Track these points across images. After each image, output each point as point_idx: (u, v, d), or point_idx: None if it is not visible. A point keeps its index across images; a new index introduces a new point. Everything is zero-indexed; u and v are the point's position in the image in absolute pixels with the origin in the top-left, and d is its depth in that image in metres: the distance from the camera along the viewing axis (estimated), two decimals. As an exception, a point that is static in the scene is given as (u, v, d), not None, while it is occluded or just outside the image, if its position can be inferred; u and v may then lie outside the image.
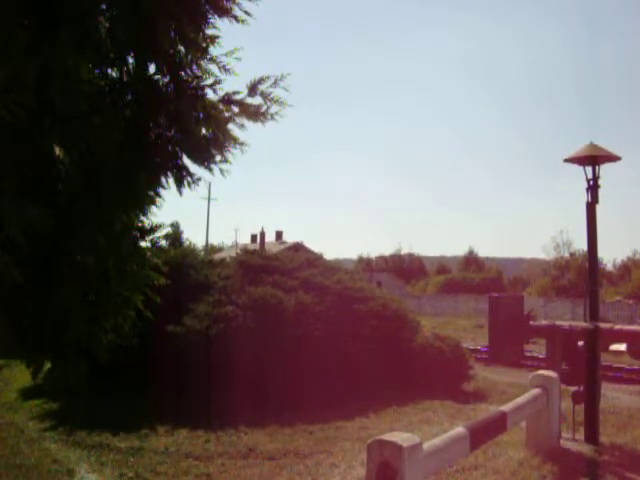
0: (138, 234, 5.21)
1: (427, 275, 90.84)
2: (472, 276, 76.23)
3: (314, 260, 16.07)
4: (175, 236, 62.47)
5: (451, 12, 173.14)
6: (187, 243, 63.40)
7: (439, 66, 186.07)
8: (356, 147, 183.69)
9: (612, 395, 12.84)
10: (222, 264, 15.79)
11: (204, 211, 67.14)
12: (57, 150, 3.96)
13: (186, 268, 14.03)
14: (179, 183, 4.85)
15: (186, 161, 4.85)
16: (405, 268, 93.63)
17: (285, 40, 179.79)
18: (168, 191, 4.97)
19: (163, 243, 6.10)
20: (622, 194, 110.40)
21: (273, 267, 14.37)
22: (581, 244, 69.94)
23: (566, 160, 9.11)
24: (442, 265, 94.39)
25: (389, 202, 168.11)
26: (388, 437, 4.84)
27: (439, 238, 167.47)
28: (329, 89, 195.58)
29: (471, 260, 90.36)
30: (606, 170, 8.95)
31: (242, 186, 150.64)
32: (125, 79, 4.55)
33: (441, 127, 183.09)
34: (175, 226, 67.47)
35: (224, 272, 14.36)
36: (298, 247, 53.18)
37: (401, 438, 4.78)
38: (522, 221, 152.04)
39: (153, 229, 5.28)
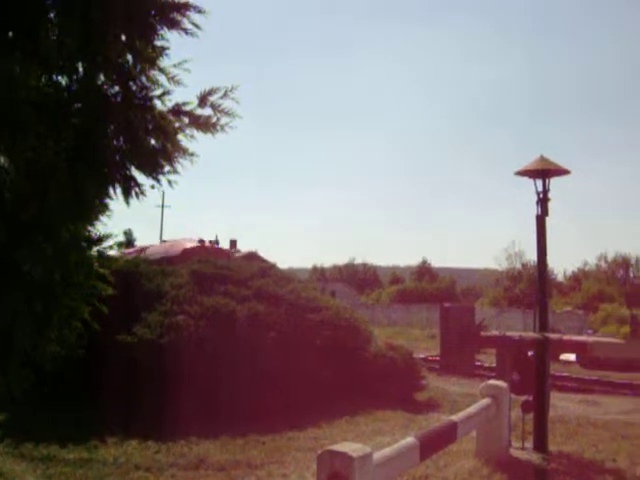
0: (85, 244, 5.16)
1: (381, 285, 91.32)
2: (425, 286, 76.81)
3: (268, 269, 16.00)
4: (128, 244, 61.59)
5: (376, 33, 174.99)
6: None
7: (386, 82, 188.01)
8: (307, 158, 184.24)
9: (561, 404, 13.12)
10: (175, 273, 15.62)
11: (158, 219, 66.48)
12: (2, 159, 3.90)
13: (138, 277, 13.87)
14: (127, 194, 4.82)
15: (134, 172, 4.83)
16: (359, 278, 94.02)
17: (238, 53, 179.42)
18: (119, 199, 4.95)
19: (111, 252, 6.05)
20: (573, 205, 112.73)
21: (226, 276, 14.28)
22: (533, 255, 70.11)
23: (517, 173, 9.29)
24: (396, 275, 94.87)
25: (343, 212, 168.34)
26: (338, 447, 4.86)
27: (393, 248, 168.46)
28: (285, 97, 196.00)
29: (424, 270, 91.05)
30: (557, 182, 9.17)
31: (196, 195, 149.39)
32: (74, 87, 4.51)
33: (390, 139, 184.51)
34: (128, 234, 66.47)
35: (176, 281, 14.20)
36: (252, 256, 52.52)
37: (351, 448, 4.80)
38: (474, 232, 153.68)
39: (101, 239, 5.25)
